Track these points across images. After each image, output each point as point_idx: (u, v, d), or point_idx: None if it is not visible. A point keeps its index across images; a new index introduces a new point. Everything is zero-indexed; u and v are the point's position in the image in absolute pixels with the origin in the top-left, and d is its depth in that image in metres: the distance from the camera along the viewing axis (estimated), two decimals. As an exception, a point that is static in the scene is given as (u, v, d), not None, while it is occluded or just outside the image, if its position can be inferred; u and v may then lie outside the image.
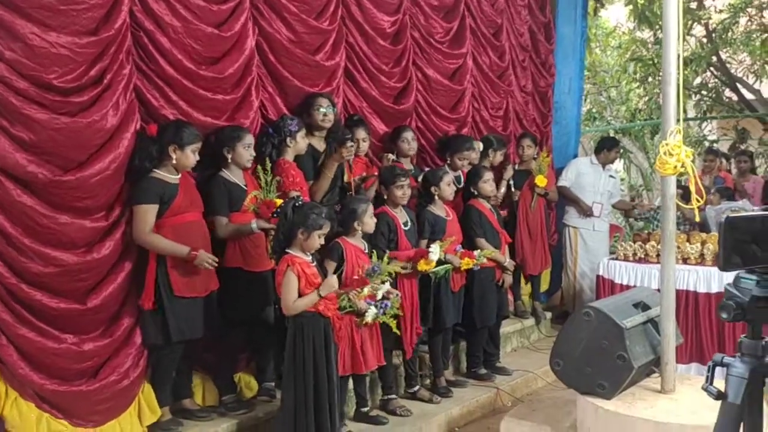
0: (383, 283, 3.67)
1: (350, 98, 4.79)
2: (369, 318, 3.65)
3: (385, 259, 3.69)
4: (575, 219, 6.49)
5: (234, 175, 3.81)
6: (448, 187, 4.56)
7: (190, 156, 3.50)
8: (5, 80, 2.98)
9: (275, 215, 3.60)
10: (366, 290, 3.57)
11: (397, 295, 3.86)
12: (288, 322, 3.38)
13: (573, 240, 6.51)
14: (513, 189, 5.78)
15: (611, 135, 10.11)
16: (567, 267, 6.58)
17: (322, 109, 4.30)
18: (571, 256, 6.52)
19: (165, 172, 3.46)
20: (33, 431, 3.12)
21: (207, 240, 3.60)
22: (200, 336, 3.58)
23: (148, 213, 3.37)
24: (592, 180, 6.45)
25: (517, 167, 6.01)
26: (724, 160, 7.95)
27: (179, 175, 3.52)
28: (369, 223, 3.84)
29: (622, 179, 9.98)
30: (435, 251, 4.10)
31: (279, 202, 3.67)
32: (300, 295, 3.29)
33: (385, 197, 4.31)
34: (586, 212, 6.39)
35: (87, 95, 3.25)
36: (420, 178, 4.69)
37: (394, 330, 3.86)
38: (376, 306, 3.62)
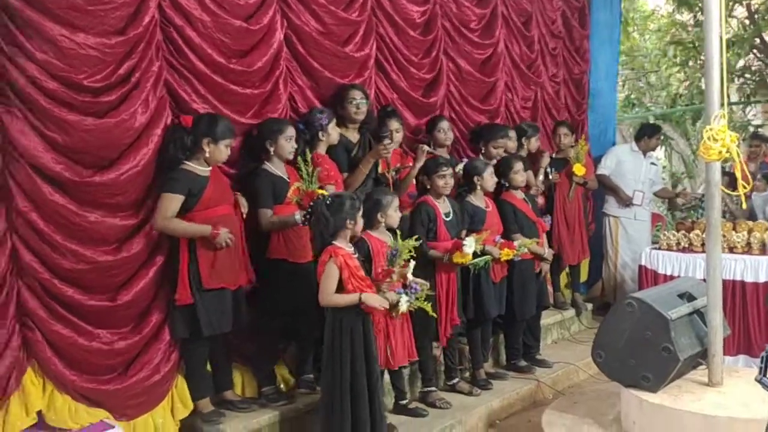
0: (409, 261, 3.54)
1: (382, 89, 4.78)
2: (403, 307, 3.52)
3: (398, 239, 3.56)
4: (615, 208, 6.39)
5: (277, 168, 3.84)
6: (491, 178, 4.54)
7: (223, 150, 3.52)
8: (36, 81, 3.03)
9: (306, 219, 3.58)
10: (395, 277, 3.48)
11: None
12: (327, 314, 3.37)
13: (613, 230, 6.41)
14: (551, 177, 5.69)
15: (652, 122, 9.89)
16: (608, 257, 6.50)
17: (355, 101, 4.29)
18: (612, 247, 6.43)
19: (196, 164, 3.48)
20: (70, 422, 3.20)
21: (238, 232, 3.62)
22: (228, 330, 3.58)
23: (172, 201, 3.38)
24: (632, 168, 6.35)
25: (554, 156, 5.92)
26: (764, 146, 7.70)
27: (209, 168, 3.53)
28: (393, 216, 3.73)
29: (663, 167, 9.76)
30: (470, 244, 4.04)
31: (320, 192, 3.67)
32: (343, 287, 3.27)
33: (428, 187, 4.28)
34: (625, 201, 6.29)
35: (115, 94, 3.29)
36: (459, 168, 4.65)
37: (431, 313, 3.72)
38: (406, 293, 3.53)
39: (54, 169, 3.12)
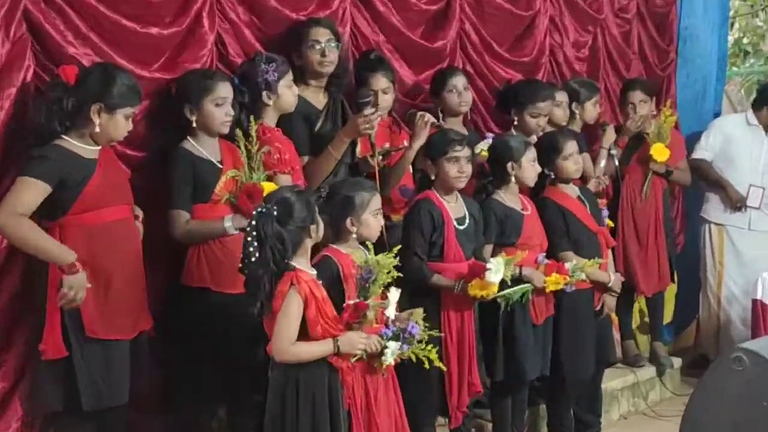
0: (388, 288, 3.50)
1: (361, 27, 4.82)
2: (389, 357, 3.45)
3: (371, 254, 3.52)
4: (720, 212, 6.45)
5: (203, 146, 3.87)
6: (531, 165, 4.55)
7: (121, 123, 3.49)
8: None
9: (248, 241, 3.44)
10: (370, 314, 3.42)
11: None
12: (275, 371, 3.37)
13: (716, 245, 6.49)
14: (618, 164, 5.73)
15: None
16: (707, 286, 6.57)
17: (319, 45, 4.32)
18: (714, 271, 6.50)
19: (78, 141, 3.46)
20: None
21: (136, 249, 3.63)
22: (124, 402, 3.56)
23: (30, 191, 3.32)
24: (748, 151, 6.42)
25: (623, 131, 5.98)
26: None
27: (98, 148, 3.52)
28: (371, 223, 3.71)
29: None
30: (496, 268, 4.02)
31: (269, 187, 3.68)
32: (307, 331, 3.26)
33: (432, 177, 4.29)
34: (736, 202, 6.34)
35: None
36: (481, 149, 4.71)
37: (439, 365, 3.64)
38: (395, 335, 3.48)
39: None
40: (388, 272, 3.45)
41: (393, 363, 3.52)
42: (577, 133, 5.17)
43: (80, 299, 3.36)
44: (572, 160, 4.83)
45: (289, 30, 4.41)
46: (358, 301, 3.38)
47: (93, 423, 3.58)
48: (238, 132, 3.82)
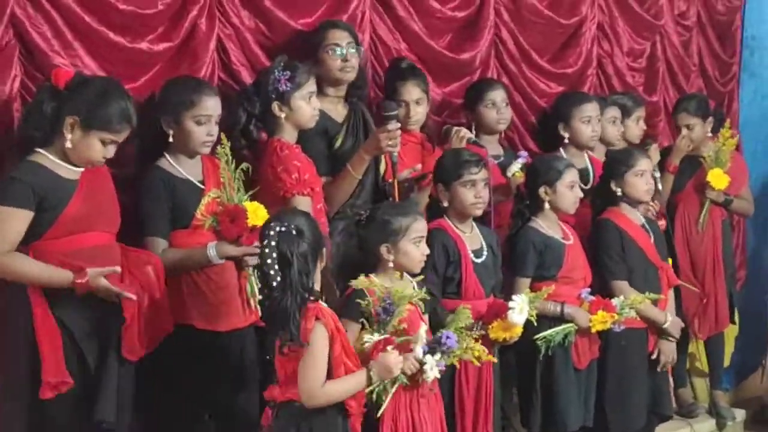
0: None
1: (381, 34, 4.83)
2: (431, 373, 3.50)
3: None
4: None
5: (182, 166, 3.85)
6: (569, 191, 4.49)
7: (95, 147, 3.42)
8: None
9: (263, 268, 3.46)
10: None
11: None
12: (278, 419, 3.33)
13: None
14: (661, 189, 5.62)
15: None
16: None
17: (339, 49, 4.28)
18: None
19: (57, 158, 3.42)
20: None
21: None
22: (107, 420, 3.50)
23: (13, 222, 3.33)
24: None
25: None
26: None
27: (81, 169, 3.48)
28: (411, 252, 3.70)
29: None
30: (519, 307, 3.92)
31: (253, 209, 3.66)
32: (331, 371, 3.27)
33: (445, 204, 4.21)
34: None
35: None
36: (514, 171, 4.68)
37: (488, 358, 3.77)
38: (432, 351, 3.51)
39: None
40: (408, 303, 3.48)
41: (438, 376, 3.56)
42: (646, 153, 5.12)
43: (109, 288, 3.38)
44: (644, 178, 4.82)
45: (308, 35, 4.42)
46: (386, 336, 3.40)
47: None
48: (219, 150, 3.76)
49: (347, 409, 3.33)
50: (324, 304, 3.34)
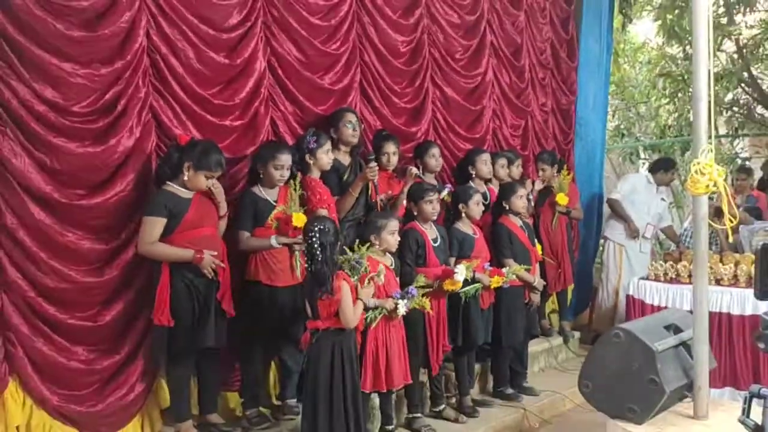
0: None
1: (365, 116, 4.77)
2: (402, 310, 3.65)
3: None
4: (622, 237, 6.40)
5: (266, 192, 3.84)
6: (476, 206, 4.53)
7: (201, 180, 3.49)
8: (27, 104, 3.11)
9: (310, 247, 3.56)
10: (377, 279, 3.54)
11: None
12: (321, 339, 3.37)
13: (618, 257, 6.43)
14: (533, 206, 5.70)
15: (657, 155, 9.94)
16: (607, 284, 6.50)
17: (351, 124, 4.30)
18: (615, 274, 6.43)
19: (178, 186, 3.48)
20: None
21: (219, 253, 3.59)
22: (208, 345, 3.53)
23: (155, 226, 3.39)
24: (645, 199, 6.38)
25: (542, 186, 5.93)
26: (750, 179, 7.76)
27: (192, 192, 3.51)
28: (390, 239, 3.78)
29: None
30: (461, 272, 4.05)
31: (297, 216, 3.67)
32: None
33: (415, 213, 4.27)
34: (633, 233, 6.30)
35: (102, 121, 3.39)
36: (444, 194, 4.65)
37: (428, 310, 3.86)
38: (403, 297, 3.63)
39: (43, 190, 3.19)
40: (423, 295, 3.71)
41: (405, 312, 3.67)
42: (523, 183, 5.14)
43: (213, 266, 3.44)
44: (522, 200, 4.82)
45: (332, 114, 4.37)
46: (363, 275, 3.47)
47: (189, 365, 3.58)
48: (291, 183, 3.81)
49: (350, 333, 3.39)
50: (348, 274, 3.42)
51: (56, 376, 3.27)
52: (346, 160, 4.39)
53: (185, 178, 3.45)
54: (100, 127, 3.37)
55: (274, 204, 3.81)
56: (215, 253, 3.48)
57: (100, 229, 3.39)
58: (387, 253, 3.83)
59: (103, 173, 3.40)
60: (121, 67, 3.43)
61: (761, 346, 1.59)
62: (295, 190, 3.78)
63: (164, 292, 3.41)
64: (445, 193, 4.65)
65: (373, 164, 4.19)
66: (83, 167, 3.32)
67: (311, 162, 4.02)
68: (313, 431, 3.31)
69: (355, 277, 3.44)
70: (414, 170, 4.47)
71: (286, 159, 3.82)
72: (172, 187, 3.46)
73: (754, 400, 1.66)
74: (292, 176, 3.89)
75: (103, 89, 3.36)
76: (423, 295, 3.78)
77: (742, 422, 1.62)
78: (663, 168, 6.48)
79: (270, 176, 3.80)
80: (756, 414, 1.65)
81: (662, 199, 6.52)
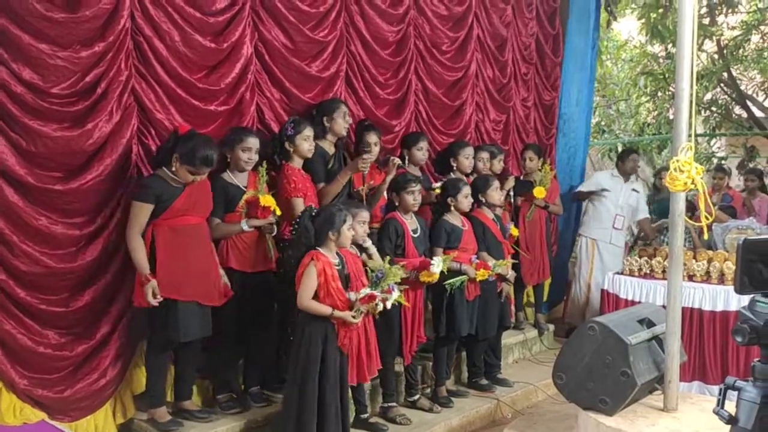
0: (392, 290, 3.52)
1: (350, 105, 4.70)
2: (380, 306, 3.56)
3: (386, 262, 3.60)
4: (593, 231, 6.46)
5: (235, 177, 3.81)
6: (465, 199, 4.54)
7: (187, 174, 3.43)
8: (5, 85, 3.05)
9: (295, 231, 3.60)
10: (378, 304, 3.45)
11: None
12: (297, 321, 3.37)
13: (590, 252, 6.48)
14: (513, 200, 5.75)
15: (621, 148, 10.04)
16: (579, 278, 6.55)
17: (347, 116, 4.32)
18: (587, 268, 6.48)
19: (171, 174, 3.44)
20: (12, 419, 3.19)
21: (206, 242, 3.57)
22: (188, 339, 3.50)
23: (142, 211, 3.35)
24: (612, 192, 6.42)
25: (521, 178, 5.96)
26: (727, 178, 7.90)
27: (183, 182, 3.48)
28: (357, 229, 3.68)
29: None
30: (437, 264, 4.04)
31: (265, 198, 3.64)
32: (316, 294, 3.29)
33: (396, 204, 4.28)
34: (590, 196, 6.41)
35: (82, 104, 3.33)
36: (436, 186, 4.68)
37: (405, 304, 3.88)
38: (382, 291, 3.58)
39: (18, 172, 3.14)
40: (394, 277, 3.51)
41: (388, 307, 3.59)
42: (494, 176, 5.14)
43: (152, 297, 3.32)
44: (497, 192, 4.84)
45: (327, 103, 4.33)
46: (371, 292, 3.38)
47: (167, 352, 3.56)
48: (260, 168, 3.77)
49: (335, 325, 3.35)
50: (328, 255, 3.36)
51: (26, 359, 3.23)
52: (331, 149, 4.36)
53: (173, 168, 3.42)
54: (79, 110, 3.31)
55: (244, 189, 3.77)
56: (152, 297, 3.33)
57: (75, 214, 3.34)
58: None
59: (80, 157, 3.34)
60: (103, 49, 3.35)
61: (738, 339, 1.63)
62: (263, 175, 3.74)
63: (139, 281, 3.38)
64: (436, 186, 4.69)
65: (368, 156, 4.20)
66: (60, 151, 3.25)
67: (290, 149, 3.98)
68: (285, 418, 3.30)
69: (377, 290, 3.43)
70: (397, 160, 4.47)
71: (253, 142, 3.78)
72: (165, 173, 3.43)
73: (729, 392, 1.70)
74: (262, 161, 3.84)
75: (83, 71, 3.29)
76: (399, 286, 3.73)
77: (717, 413, 1.66)
78: (619, 159, 6.61)
79: (237, 159, 3.75)
80: (730, 406, 1.69)
81: (634, 190, 6.59)
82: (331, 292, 3.31)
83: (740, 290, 1.64)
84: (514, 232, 5.17)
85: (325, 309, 3.30)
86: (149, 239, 3.39)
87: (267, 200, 3.68)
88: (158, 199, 3.37)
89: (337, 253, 3.47)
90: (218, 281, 3.62)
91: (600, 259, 6.42)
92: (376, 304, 3.49)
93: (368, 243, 3.90)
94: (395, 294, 3.55)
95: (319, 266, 3.28)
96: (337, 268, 3.38)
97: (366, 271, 3.61)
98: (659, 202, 7.48)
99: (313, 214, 3.41)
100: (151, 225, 3.40)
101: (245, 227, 3.69)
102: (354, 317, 3.34)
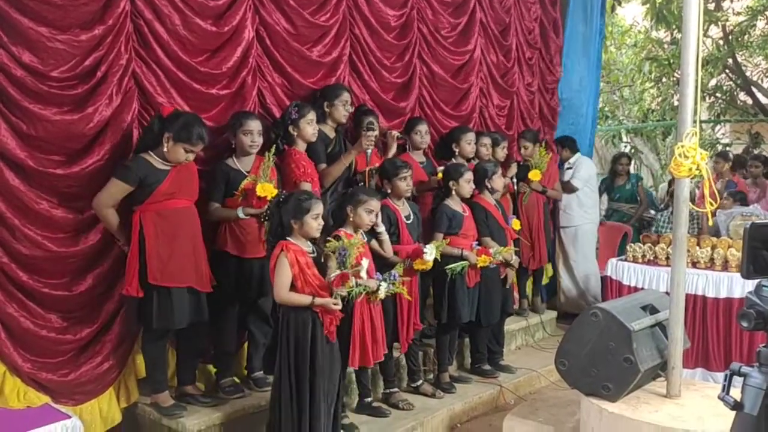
0: (360, 259, 3.41)
1: (354, 90, 4.71)
2: (382, 294, 3.60)
3: (343, 239, 3.40)
4: (578, 219, 6.52)
5: (240, 162, 3.78)
6: (467, 184, 4.53)
7: (180, 153, 3.39)
8: (4, 68, 3.04)
9: (265, 218, 3.58)
10: (352, 280, 3.33)
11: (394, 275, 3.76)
12: (280, 312, 3.32)
13: (574, 239, 6.60)
14: (516, 187, 5.75)
15: (623, 135, 10.02)
16: (566, 264, 6.64)
17: (348, 104, 4.30)
18: (573, 253, 6.60)
19: (156, 156, 3.40)
20: (17, 403, 3.21)
21: (194, 226, 3.53)
22: (182, 326, 3.48)
23: (118, 189, 3.31)
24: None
25: (522, 163, 5.95)
26: (728, 165, 7.86)
27: (170, 164, 3.42)
28: (362, 216, 3.67)
29: (641, 180, 9.95)
30: (430, 251, 4.02)
31: (261, 187, 3.60)
32: (293, 284, 3.20)
33: (389, 190, 4.23)
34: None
35: (81, 87, 3.30)
36: (439, 170, 4.68)
37: (407, 297, 3.89)
38: (385, 280, 3.60)
39: (18, 156, 3.13)
40: (357, 249, 3.38)
41: (383, 296, 3.61)
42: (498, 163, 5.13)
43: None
44: (501, 179, 4.85)
45: (329, 88, 4.32)
46: (341, 272, 3.25)
47: (164, 336, 3.55)
48: (266, 154, 3.73)
49: (318, 314, 3.24)
50: (298, 243, 3.24)
51: (29, 343, 3.24)
52: (332, 133, 4.35)
53: (165, 149, 3.37)
54: (79, 94, 3.29)
55: (247, 174, 3.74)
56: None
57: (76, 198, 3.33)
58: (359, 230, 3.74)
59: (80, 141, 3.32)
60: (102, 32, 3.33)
61: (744, 324, 1.62)
62: (268, 160, 3.70)
63: (133, 263, 3.35)
64: (440, 170, 4.69)
65: (371, 133, 4.18)
66: (60, 134, 3.23)
67: (294, 133, 3.96)
68: (273, 406, 3.28)
69: (341, 269, 3.28)
70: (395, 132, 4.46)
71: (254, 125, 3.75)
72: (150, 157, 3.38)
73: (734, 378, 1.69)
74: (270, 146, 3.82)
75: (83, 55, 3.27)
76: (402, 279, 3.76)
77: (722, 399, 1.65)
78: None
79: (241, 143, 3.73)
80: (735, 392, 1.69)
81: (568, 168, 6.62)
82: (308, 281, 3.21)
83: (747, 275, 1.63)
84: (516, 225, 5.15)
85: (304, 299, 3.19)
86: (137, 227, 3.36)
87: (264, 190, 3.61)
88: (142, 182, 3.33)
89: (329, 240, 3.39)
90: (206, 266, 3.59)
91: (579, 246, 6.53)
92: (376, 291, 3.49)
93: (381, 229, 3.89)
94: (384, 287, 3.56)
95: (290, 256, 3.17)
96: (311, 255, 3.29)
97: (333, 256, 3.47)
98: (619, 188, 7.61)
99: (281, 200, 3.32)
100: (137, 211, 3.37)
101: (241, 215, 3.66)
102: (335, 303, 3.23)
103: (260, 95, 4.15)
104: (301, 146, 4.01)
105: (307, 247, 3.30)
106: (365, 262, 3.42)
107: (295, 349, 3.22)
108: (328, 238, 3.41)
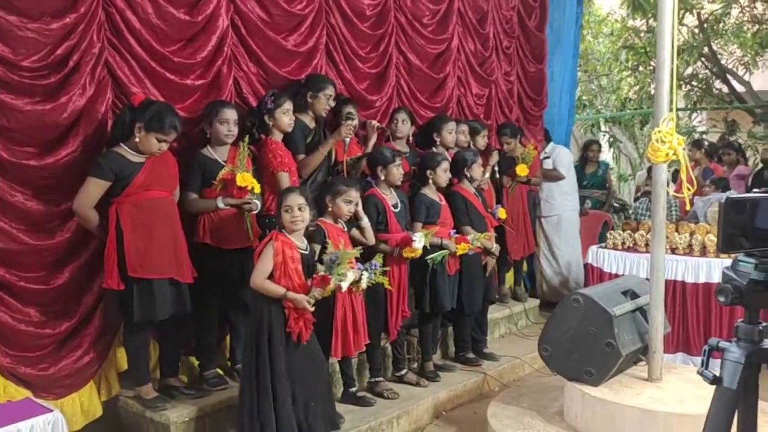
0: (345, 275, 3.37)
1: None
2: (364, 284, 3.59)
3: (341, 248, 3.48)
4: (558, 208, 6.60)
5: (216, 152, 3.74)
6: (444, 173, 4.53)
7: (153, 143, 3.33)
8: None
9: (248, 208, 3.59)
10: (330, 286, 3.28)
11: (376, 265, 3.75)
12: (252, 301, 3.31)
13: (554, 227, 6.67)
14: (498, 175, 5.77)
15: (601, 124, 10.12)
16: (547, 252, 6.72)
17: (331, 98, 4.28)
18: (557, 241, 6.68)
19: (129, 149, 3.35)
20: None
21: (172, 217, 3.49)
22: (163, 318, 3.45)
23: (96, 188, 3.26)
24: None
25: (506, 155, 5.97)
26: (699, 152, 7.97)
27: (144, 156, 3.38)
28: (341, 207, 3.71)
29: (611, 168, 10.07)
30: (419, 239, 4.05)
31: (241, 177, 3.57)
32: (272, 274, 3.19)
33: (382, 177, 4.23)
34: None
35: (54, 77, 3.25)
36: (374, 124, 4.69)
37: (388, 287, 3.89)
38: (366, 270, 3.57)
39: None
40: (348, 261, 3.38)
41: (365, 286, 3.60)
42: (479, 152, 5.14)
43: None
44: (479, 167, 4.85)
45: (312, 79, 4.31)
46: (325, 274, 3.26)
47: (145, 329, 3.52)
48: (241, 143, 3.68)
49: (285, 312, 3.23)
50: (290, 237, 3.26)
51: (8, 337, 3.20)
52: (312, 123, 4.33)
53: (137, 139, 3.32)
54: (51, 83, 3.23)
55: (224, 164, 3.70)
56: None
57: (51, 190, 3.28)
58: (339, 220, 3.77)
59: (54, 132, 3.27)
60: (74, 20, 3.27)
61: (721, 299, 1.64)
62: (243, 149, 3.67)
63: (112, 256, 3.32)
64: (374, 124, 4.68)
65: (351, 122, 4.17)
66: (33, 125, 3.18)
67: (270, 123, 3.92)
68: (241, 402, 3.27)
69: (327, 272, 3.28)
70: (374, 123, 4.44)
71: (230, 113, 3.72)
72: (123, 149, 3.33)
73: (713, 353, 1.72)
74: (245, 136, 3.79)
75: (54, 44, 3.22)
76: (383, 270, 3.75)
77: (701, 374, 1.68)
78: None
79: (217, 133, 3.69)
80: (714, 367, 1.72)
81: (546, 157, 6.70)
82: (288, 273, 3.20)
83: (723, 249, 1.66)
84: (502, 214, 5.17)
85: (278, 289, 3.17)
86: (114, 219, 3.32)
87: (244, 179, 3.59)
88: (117, 176, 3.29)
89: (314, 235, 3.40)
90: (186, 257, 3.56)
91: (561, 232, 6.63)
92: (359, 281, 3.48)
93: (364, 221, 3.89)
94: (366, 276, 3.54)
95: (277, 245, 3.18)
96: (302, 252, 3.29)
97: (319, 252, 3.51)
98: (589, 174, 7.73)
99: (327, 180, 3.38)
100: (114, 204, 3.33)
101: (221, 205, 3.62)
102: (309, 301, 3.20)
103: (236, 85, 4.12)
104: (278, 136, 3.97)
105: (301, 243, 3.31)
106: (351, 275, 3.39)
107: (257, 344, 3.21)
108: (311, 230, 3.44)
